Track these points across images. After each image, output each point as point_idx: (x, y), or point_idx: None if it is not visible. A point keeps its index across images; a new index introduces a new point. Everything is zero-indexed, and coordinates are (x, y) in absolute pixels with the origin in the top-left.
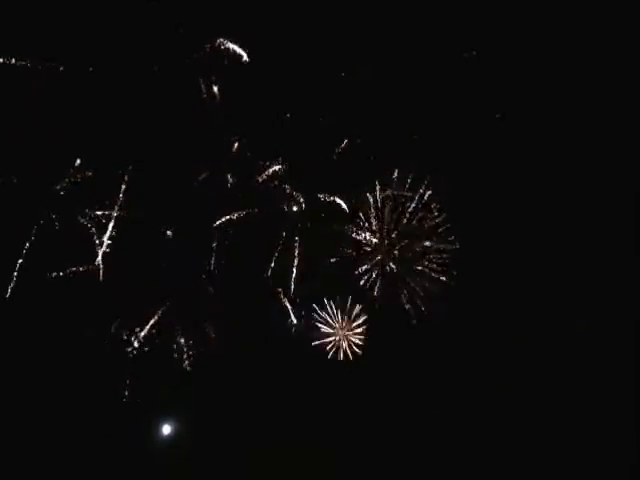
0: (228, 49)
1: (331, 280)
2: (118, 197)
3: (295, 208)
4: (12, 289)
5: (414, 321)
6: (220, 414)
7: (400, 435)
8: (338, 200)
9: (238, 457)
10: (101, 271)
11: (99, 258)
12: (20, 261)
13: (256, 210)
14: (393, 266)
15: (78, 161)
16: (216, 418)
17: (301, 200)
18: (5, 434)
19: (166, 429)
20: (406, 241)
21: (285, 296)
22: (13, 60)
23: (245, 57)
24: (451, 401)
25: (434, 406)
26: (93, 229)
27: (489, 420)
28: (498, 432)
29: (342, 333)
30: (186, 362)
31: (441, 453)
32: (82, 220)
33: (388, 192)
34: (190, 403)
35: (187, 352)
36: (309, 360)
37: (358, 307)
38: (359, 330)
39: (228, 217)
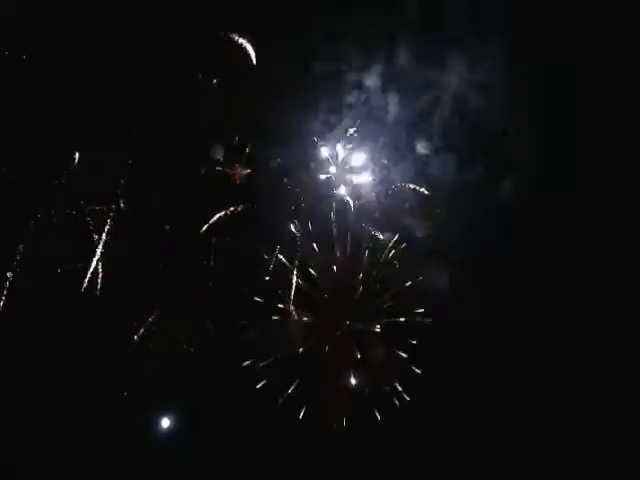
0: (229, 44)
1: None
2: (117, 192)
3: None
4: (9, 284)
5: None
6: (219, 408)
7: (398, 434)
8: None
9: (237, 451)
10: (100, 266)
11: (98, 253)
12: (17, 258)
13: (256, 206)
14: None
15: (77, 155)
16: (215, 412)
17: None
18: (5, 430)
19: (165, 422)
20: None
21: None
22: (8, 53)
23: (250, 51)
24: (450, 401)
25: (433, 406)
26: (91, 223)
27: (489, 420)
28: (498, 432)
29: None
30: (185, 356)
31: (440, 453)
32: (80, 214)
33: None
34: (189, 397)
35: (186, 347)
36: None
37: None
38: None
39: (227, 212)
